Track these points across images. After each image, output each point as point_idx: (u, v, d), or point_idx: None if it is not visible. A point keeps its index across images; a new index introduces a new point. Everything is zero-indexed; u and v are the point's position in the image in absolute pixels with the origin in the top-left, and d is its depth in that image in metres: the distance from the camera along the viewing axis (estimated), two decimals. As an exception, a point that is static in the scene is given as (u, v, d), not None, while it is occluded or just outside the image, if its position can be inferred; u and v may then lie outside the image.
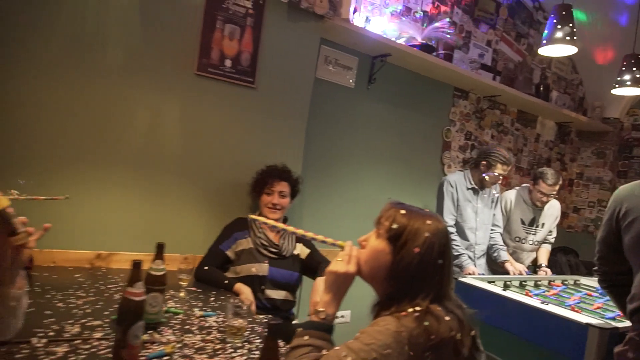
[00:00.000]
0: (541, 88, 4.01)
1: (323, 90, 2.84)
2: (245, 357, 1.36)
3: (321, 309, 1.18)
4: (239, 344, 1.45)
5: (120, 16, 2.06)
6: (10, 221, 1.06)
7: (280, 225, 1.38)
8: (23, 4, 1.89)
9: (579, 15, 3.20)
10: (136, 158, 2.17)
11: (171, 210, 2.27)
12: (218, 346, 1.41)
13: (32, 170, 1.93)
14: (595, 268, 1.82)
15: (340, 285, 1.19)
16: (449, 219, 3.01)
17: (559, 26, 2.49)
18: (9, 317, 1.19)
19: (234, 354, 1.37)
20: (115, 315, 1.51)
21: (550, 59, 4.16)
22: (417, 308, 1.06)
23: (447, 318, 1.05)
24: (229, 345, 1.43)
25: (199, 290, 1.97)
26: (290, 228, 1.33)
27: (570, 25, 2.48)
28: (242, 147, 2.44)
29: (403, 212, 1.17)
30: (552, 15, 2.54)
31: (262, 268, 2.17)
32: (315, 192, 2.84)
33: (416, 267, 1.10)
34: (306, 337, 1.13)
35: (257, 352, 1.41)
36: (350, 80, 3.04)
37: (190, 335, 1.47)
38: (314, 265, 2.29)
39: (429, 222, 1.14)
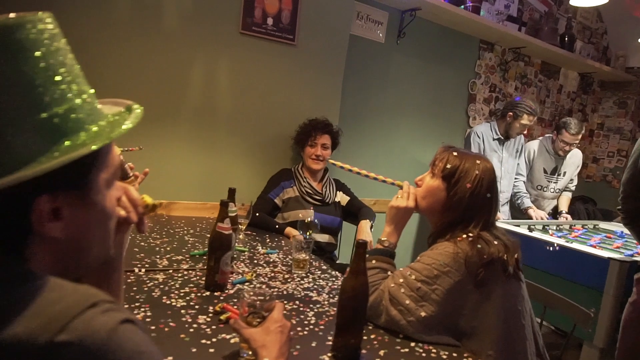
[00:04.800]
0: (566, 38, 4.03)
1: (355, 45, 2.94)
2: (312, 284, 1.58)
3: (384, 239, 1.38)
4: (304, 275, 1.67)
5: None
6: (123, 167, 1.25)
7: (354, 168, 1.54)
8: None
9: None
10: (191, 114, 2.34)
11: (223, 162, 2.46)
12: (287, 276, 1.63)
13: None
14: (619, 207, 1.98)
15: (400, 218, 1.38)
16: (475, 168, 3.17)
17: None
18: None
19: (301, 282, 1.59)
20: (193, 252, 1.75)
21: (577, 7, 4.14)
22: (470, 234, 1.25)
23: (495, 242, 1.24)
24: (295, 275, 1.65)
25: (254, 233, 2.19)
26: (362, 171, 1.51)
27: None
28: (284, 102, 2.59)
29: (455, 153, 1.33)
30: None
31: (308, 214, 2.37)
32: (350, 144, 3.00)
33: (468, 200, 1.28)
34: (374, 261, 1.33)
35: (320, 281, 1.62)
36: (381, 35, 3.12)
37: (260, 267, 1.69)
38: (354, 210, 2.49)
39: (478, 161, 1.31)
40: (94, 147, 0.49)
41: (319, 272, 1.73)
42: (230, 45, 2.37)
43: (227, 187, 1.76)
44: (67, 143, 0.50)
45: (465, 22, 3.29)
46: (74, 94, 0.52)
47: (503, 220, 3.10)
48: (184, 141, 2.34)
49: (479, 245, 1.21)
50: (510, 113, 3.14)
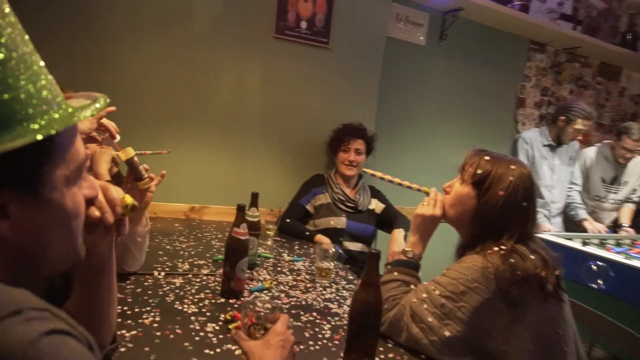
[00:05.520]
0: (628, 36, 3.71)
1: (394, 48, 2.84)
2: (334, 294, 1.50)
3: (408, 249, 1.28)
4: (327, 284, 1.59)
5: (204, -15, 2.19)
6: (137, 168, 1.23)
7: (377, 173, 1.47)
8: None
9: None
10: (223, 118, 2.35)
11: (255, 167, 2.44)
12: (309, 285, 1.56)
13: (134, 129, 2.13)
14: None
15: (426, 228, 1.28)
16: (522, 176, 2.96)
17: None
18: (137, 251, 1.39)
19: (323, 292, 1.52)
20: (216, 256, 1.71)
21: (641, 4, 3.82)
22: (503, 247, 1.12)
23: (531, 257, 1.11)
24: (318, 284, 1.58)
25: (283, 239, 2.13)
26: (386, 176, 1.44)
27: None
28: (317, 106, 2.54)
29: (487, 158, 1.21)
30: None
31: (340, 221, 2.30)
32: (387, 151, 2.90)
33: (501, 209, 1.16)
34: (395, 273, 1.24)
35: (344, 292, 1.54)
36: (421, 38, 3.00)
37: (283, 275, 1.63)
38: (389, 219, 2.38)
39: (513, 167, 1.18)
40: (29, 139, 0.44)
41: (344, 282, 1.65)
42: (263, 50, 2.35)
43: (260, 191, 1.73)
44: (19, 130, 0.46)
45: (513, 21, 3.10)
46: (24, 81, 0.47)
47: (555, 232, 2.88)
48: (215, 145, 2.34)
49: (511, 260, 1.09)
50: (563, 117, 2.92)
